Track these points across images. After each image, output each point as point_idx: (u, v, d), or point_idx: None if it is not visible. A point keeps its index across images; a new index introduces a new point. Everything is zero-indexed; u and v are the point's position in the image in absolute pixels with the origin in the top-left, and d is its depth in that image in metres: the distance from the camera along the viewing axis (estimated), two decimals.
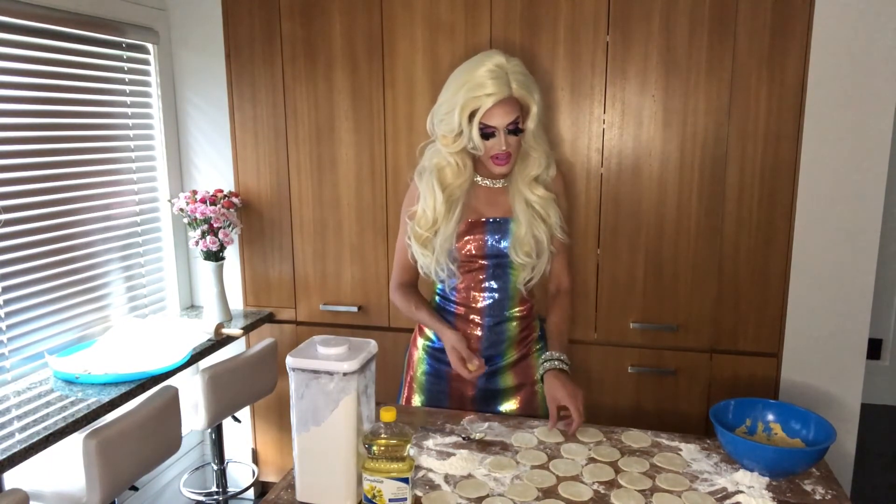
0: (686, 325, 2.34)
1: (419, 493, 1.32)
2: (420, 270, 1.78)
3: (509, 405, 1.79)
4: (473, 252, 1.73)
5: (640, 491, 1.33)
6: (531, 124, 1.66)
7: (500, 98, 1.59)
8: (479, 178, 1.76)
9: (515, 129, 1.63)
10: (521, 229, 1.69)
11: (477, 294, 1.76)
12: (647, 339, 2.38)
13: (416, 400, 1.84)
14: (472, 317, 1.77)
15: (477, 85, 1.60)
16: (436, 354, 1.82)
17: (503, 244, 1.72)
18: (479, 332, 1.77)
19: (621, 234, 2.34)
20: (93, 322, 2.37)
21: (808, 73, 2.15)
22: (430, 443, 1.52)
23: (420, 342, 1.86)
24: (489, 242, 1.73)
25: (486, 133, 1.63)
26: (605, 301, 2.38)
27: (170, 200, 2.64)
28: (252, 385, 2.34)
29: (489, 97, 1.59)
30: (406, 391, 1.87)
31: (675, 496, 1.31)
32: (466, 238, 1.73)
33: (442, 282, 1.78)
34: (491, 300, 1.76)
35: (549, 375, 1.62)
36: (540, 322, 1.85)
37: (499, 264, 1.73)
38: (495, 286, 1.75)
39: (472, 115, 1.61)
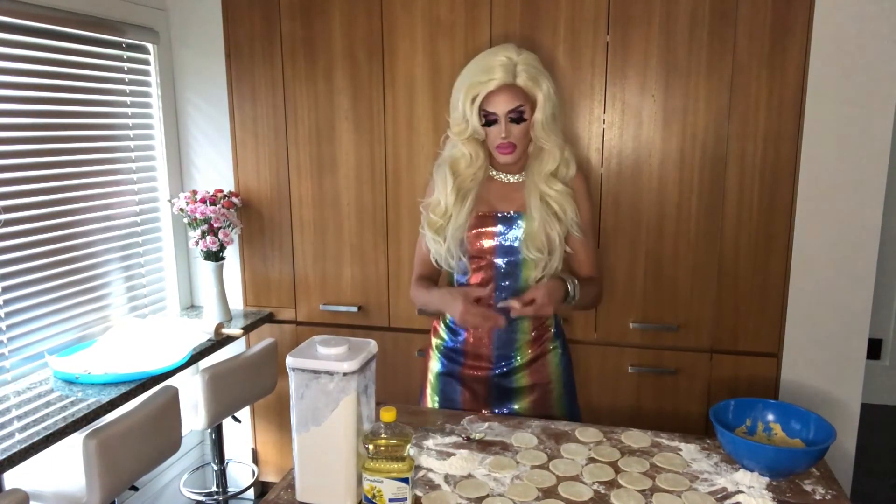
0: (686, 325, 2.34)
1: (419, 493, 1.32)
2: (433, 261, 1.79)
3: (523, 404, 1.79)
4: (484, 247, 1.73)
5: (640, 491, 1.33)
6: (539, 115, 1.66)
7: (500, 84, 1.63)
8: (494, 173, 1.77)
9: (518, 118, 1.65)
10: (533, 224, 1.69)
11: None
12: (647, 339, 2.38)
13: (432, 400, 1.85)
14: None
15: (481, 71, 1.65)
16: (448, 354, 1.82)
17: (515, 240, 1.71)
18: (489, 332, 1.77)
19: (621, 234, 2.34)
20: (93, 322, 2.37)
21: (808, 73, 2.15)
22: (430, 443, 1.52)
23: (434, 342, 1.87)
24: (500, 238, 1.72)
25: (490, 120, 1.66)
26: (605, 301, 2.38)
27: (170, 200, 2.64)
28: (252, 385, 2.34)
29: (488, 82, 1.63)
30: (424, 392, 1.88)
31: (675, 496, 1.31)
32: (477, 231, 1.73)
33: (452, 268, 1.78)
34: (502, 299, 1.75)
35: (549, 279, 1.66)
36: (556, 319, 1.84)
37: (510, 262, 1.73)
38: (506, 284, 1.74)
39: (474, 101, 1.65)
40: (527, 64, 1.65)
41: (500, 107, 1.64)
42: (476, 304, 1.63)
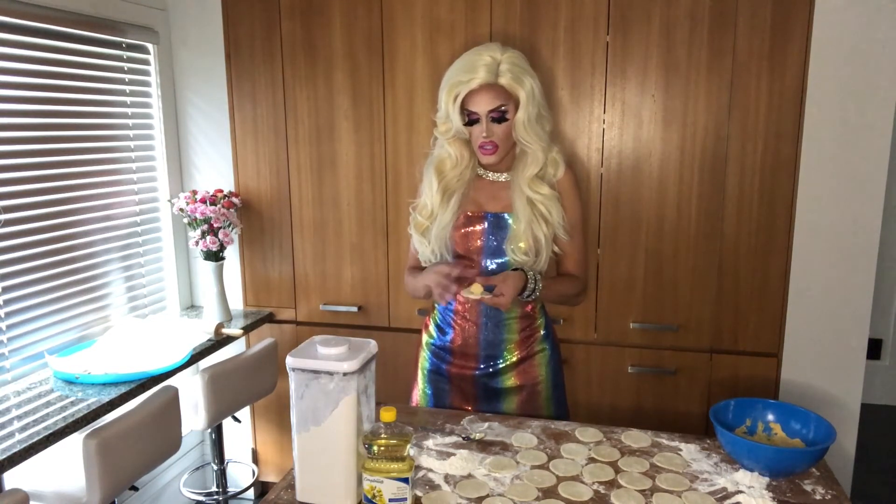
0: (686, 325, 2.34)
1: (419, 493, 1.32)
2: (421, 260, 1.80)
3: (510, 405, 1.79)
4: (471, 248, 1.73)
5: (640, 491, 1.32)
6: (521, 114, 1.64)
7: (481, 83, 1.62)
8: (481, 171, 1.77)
9: (500, 118, 1.64)
10: (519, 226, 1.68)
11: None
12: (647, 339, 2.38)
13: (422, 394, 1.85)
14: (469, 315, 1.78)
15: (464, 70, 1.63)
16: (436, 351, 1.83)
17: (502, 241, 1.71)
18: (476, 331, 1.77)
19: (621, 234, 2.34)
20: (93, 322, 2.37)
21: (808, 73, 2.15)
22: (430, 443, 1.52)
23: (424, 338, 1.87)
24: (487, 238, 1.72)
25: (472, 119, 1.65)
26: (605, 301, 2.38)
27: (170, 200, 2.64)
28: (252, 385, 2.34)
29: (470, 81, 1.62)
30: (415, 387, 1.89)
31: (675, 496, 1.31)
32: (464, 231, 1.73)
33: None
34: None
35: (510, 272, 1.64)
36: (546, 321, 1.84)
37: (497, 263, 1.73)
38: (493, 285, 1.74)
39: (456, 100, 1.64)
40: (510, 63, 1.63)
41: (482, 106, 1.63)
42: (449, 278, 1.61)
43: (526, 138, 1.67)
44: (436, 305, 1.85)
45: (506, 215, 1.72)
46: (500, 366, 1.78)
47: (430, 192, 1.74)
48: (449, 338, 1.80)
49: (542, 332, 1.81)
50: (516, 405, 1.79)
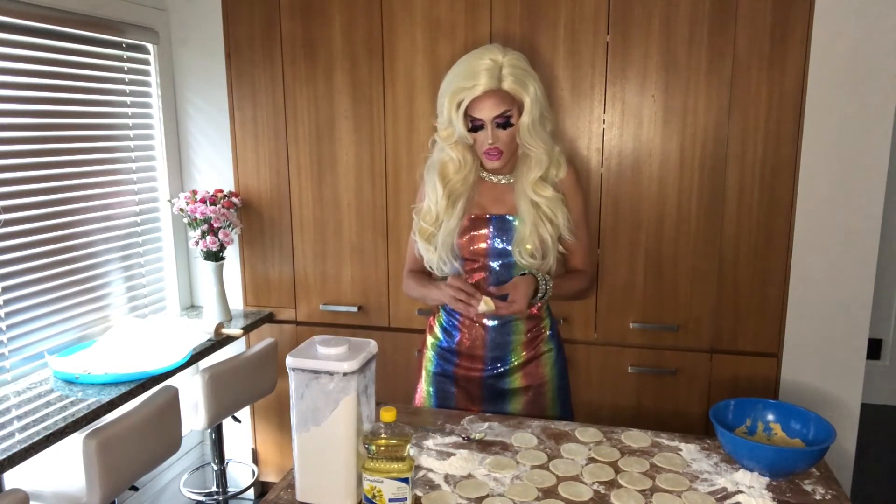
0: (686, 325, 2.34)
1: (419, 493, 1.32)
2: (426, 266, 1.78)
3: (516, 405, 1.79)
4: (477, 250, 1.73)
5: (640, 491, 1.32)
6: (525, 118, 1.63)
7: (485, 90, 1.59)
8: (484, 174, 1.75)
9: (505, 123, 1.62)
10: (525, 228, 1.68)
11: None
12: (647, 339, 2.38)
13: (427, 396, 1.84)
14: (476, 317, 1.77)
15: (466, 76, 1.60)
16: (442, 354, 1.82)
17: (507, 243, 1.71)
18: (483, 333, 1.77)
19: (621, 234, 2.34)
20: (93, 322, 2.37)
21: (808, 73, 2.15)
22: (430, 443, 1.52)
23: (429, 340, 1.87)
24: (493, 241, 1.72)
25: (476, 126, 1.63)
26: (605, 301, 2.38)
27: (170, 200, 2.64)
28: (252, 385, 2.34)
29: (473, 88, 1.59)
30: (419, 388, 1.88)
31: (675, 496, 1.31)
32: (470, 235, 1.72)
33: (445, 273, 1.77)
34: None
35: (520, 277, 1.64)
36: (551, 321, 1.84)
37: (503, 265, 1.72)
38: (500, 285, 1.72)
39: (459, 107, 1.62)
40: (512, 66, 1.61)
41: (486, 112, 1.60)
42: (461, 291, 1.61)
43: (530, 142, 1.66)
44: (440, 308, 1.84)
45: (510, 217, 1.71)
46: (508, 366, 1.78)
47: (434, 198, 1.71)
48: (456, 340, 1.79)
49: (547, 333, 1.81)
50: (522, 406, 1.78)
